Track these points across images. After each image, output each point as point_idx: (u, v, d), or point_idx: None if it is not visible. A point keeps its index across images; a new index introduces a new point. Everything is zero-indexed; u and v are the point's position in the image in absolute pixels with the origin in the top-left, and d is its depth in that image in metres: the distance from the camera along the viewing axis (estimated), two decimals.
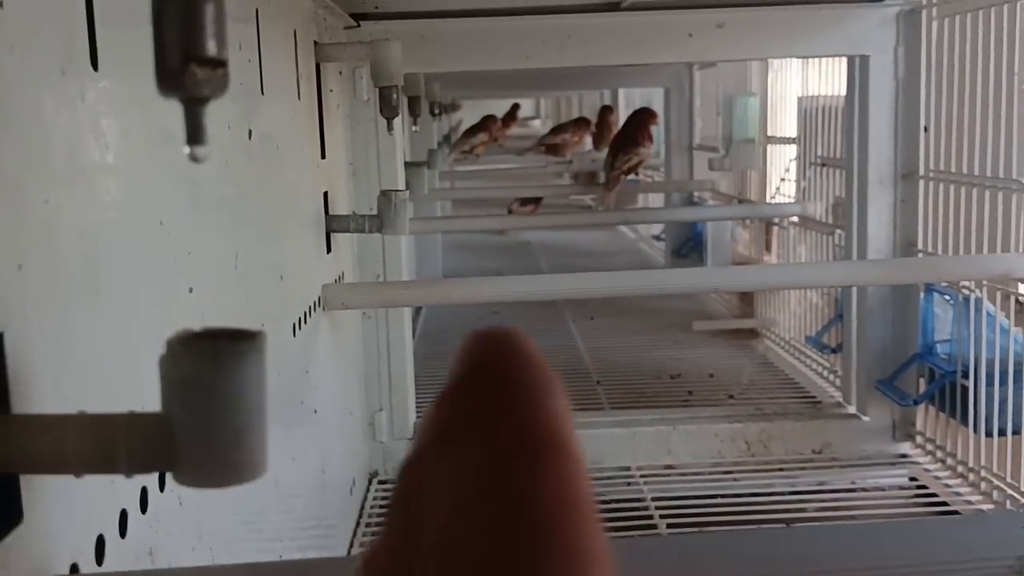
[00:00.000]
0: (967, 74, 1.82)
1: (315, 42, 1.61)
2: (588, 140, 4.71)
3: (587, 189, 3.73)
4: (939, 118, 1.94)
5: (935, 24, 1.93)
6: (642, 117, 3.49)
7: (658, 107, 4.60)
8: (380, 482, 2.09)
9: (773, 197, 3.23)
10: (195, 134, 0.48)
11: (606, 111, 4.78)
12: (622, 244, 5.34)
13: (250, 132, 1.09)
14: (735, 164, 3.40)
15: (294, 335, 1.32)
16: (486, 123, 4.81)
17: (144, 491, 0.70)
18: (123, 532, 0.67)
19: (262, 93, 1.17)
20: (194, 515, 0.82)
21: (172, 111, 0.47)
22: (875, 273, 1.76)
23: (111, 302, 0.67)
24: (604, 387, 2.68)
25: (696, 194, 3.81)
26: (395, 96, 1.64)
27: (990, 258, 1.67)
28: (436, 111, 3.68)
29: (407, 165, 2.83)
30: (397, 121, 1.70)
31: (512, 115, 5.63)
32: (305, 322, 1.40)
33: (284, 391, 1.24)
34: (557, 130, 4.34)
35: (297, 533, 1.30)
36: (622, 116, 5.61)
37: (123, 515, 0.67)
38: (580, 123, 4.40)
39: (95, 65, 0.65)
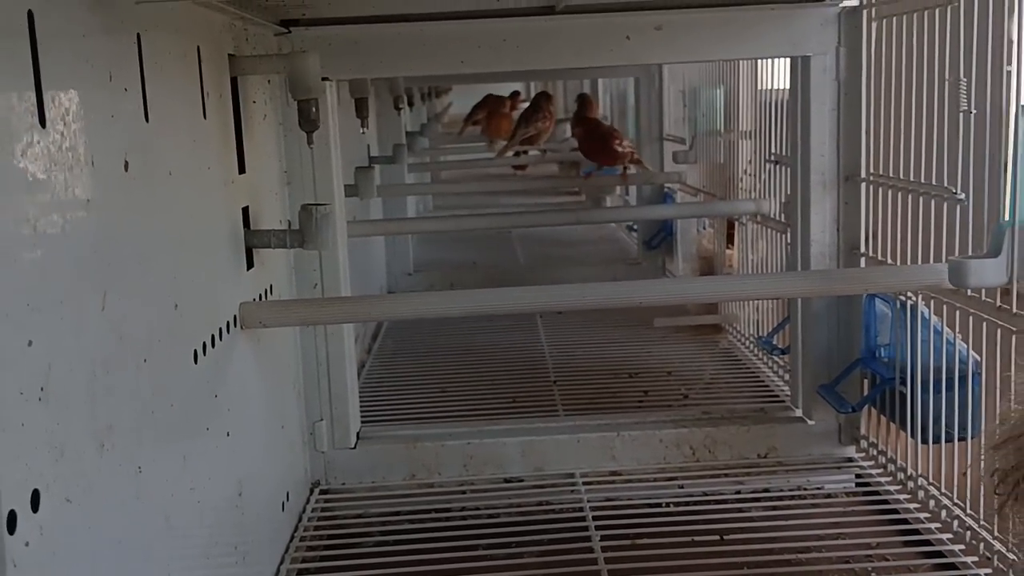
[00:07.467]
0: (903, 78, 1.78)
1: (231, 55, 1.59)
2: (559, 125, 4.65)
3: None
4: (879, 121, 1.91)
5: (875, 25, 1.90)
6: (538, 100, 4.36)
7: (630, 97, 4.58)
8: (322, 492, 2.07)
9: (734, 193, 3.20)
10: None
11: (541, 97, 4.64)
12: (600, 233, 5.32)
13: (126, 164, 1.07)
14: (699, 157, 3.38)
15: (196, 362, 1.30)
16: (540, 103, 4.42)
17: None
18: None
19: (147, 120, 1.15)
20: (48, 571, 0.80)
21: None
22: (805, 285, 1.74)
23: None
24: (560, 387, 2.67)
25: (667, 186, 3.79)
26: (314, 110, 1.61)
27: (922, 269, 1.65)
28: (400, 105, 3.64)
29: (358, 169, 2.81)
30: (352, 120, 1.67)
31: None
32: (213, 346, 1.38)
33: (180, 422, 1.22)
34: (526, 120, 4.26)
35: (199, 561, 1.28)
36: (601, 103, 5.60)
37: None
38: (541, 103, 4.34)
39: None
